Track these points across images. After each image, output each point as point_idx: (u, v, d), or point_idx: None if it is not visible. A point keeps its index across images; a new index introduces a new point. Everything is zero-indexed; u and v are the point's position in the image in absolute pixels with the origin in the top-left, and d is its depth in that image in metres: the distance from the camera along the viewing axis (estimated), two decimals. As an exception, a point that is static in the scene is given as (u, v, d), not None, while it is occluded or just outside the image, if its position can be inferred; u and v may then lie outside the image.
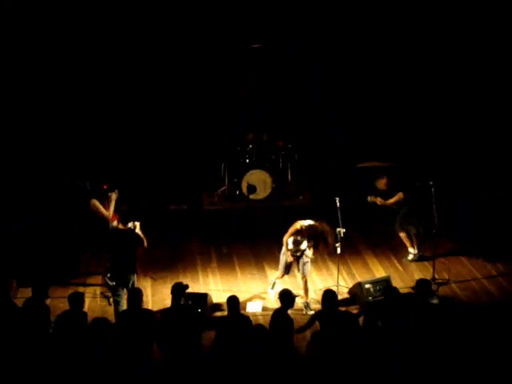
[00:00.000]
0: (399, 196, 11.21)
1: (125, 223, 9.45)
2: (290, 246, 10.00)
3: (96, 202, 10.41)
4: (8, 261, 10.80)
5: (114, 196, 10.40)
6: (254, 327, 8.02)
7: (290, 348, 7.93)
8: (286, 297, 8.29)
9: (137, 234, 9.46)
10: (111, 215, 10.33)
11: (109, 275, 9.51)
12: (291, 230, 9.95)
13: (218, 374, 7.55)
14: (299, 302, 9.92)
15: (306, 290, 10.10)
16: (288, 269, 10.18)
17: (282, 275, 10.29)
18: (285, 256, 10.09)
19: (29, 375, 7.45)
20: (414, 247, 11.45)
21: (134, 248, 9.44)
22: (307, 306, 9.98)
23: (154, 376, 7.57)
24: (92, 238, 10.82)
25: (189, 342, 7.95)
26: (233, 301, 8.26)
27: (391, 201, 11.25)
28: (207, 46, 13.43)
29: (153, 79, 13.63)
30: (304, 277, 10.10)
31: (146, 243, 9.50)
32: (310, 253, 10.06)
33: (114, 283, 9.37)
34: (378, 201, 11.21)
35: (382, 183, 11.35)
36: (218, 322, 8.49)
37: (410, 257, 11.45)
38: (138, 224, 9.53)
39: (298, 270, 10.15)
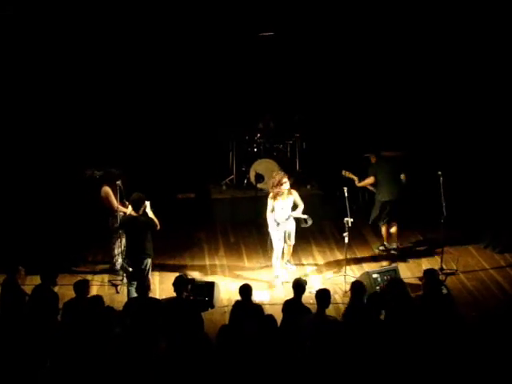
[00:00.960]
0: (370, 180, 11.16)
1: (137, 210, 9.41)
2: (281, 215, 10.36)
3: (108, 190, 10.39)
4: (17, 248, 10.85)
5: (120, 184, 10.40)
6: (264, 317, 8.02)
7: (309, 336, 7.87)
8: (299, 286, 8.30)
9: (149, 218, 9.44)
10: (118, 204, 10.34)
11: (125, 261, 9.55)
12: (269, 202, 10.39)
13: (223, 363, 7.53)
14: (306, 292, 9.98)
15: (289, 253, 10.86)
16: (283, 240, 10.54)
17: (281, 250, 10.55)
18: (275, 231, 10.40)
19: (36, 361, 7.49)
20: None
21: (147, 232, 9.44)
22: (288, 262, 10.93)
23: (158, 365, 7.59)
24: (100, 226, 10.83)
25: (190, 335, 7.93)
26: (246, 289, 8.26)
27: (362, 183, 11.20)
28: (216, 35, 13.39)
29: (161, 69, 13.61)
30: (290, 245, 10.72)
31: (158, 225, 9.49)
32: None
33: (131, 269, 9.39)
34: (355, 178, 11.15)
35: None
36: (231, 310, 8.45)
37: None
38: (147, 203, 9.48)
39: (285, 242, 10.58)
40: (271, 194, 10.40)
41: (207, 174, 13.81)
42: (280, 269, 10.61)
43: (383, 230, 11.36)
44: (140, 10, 12.95)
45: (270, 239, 10.57)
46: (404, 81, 13.83)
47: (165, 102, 13.87)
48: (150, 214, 9.50)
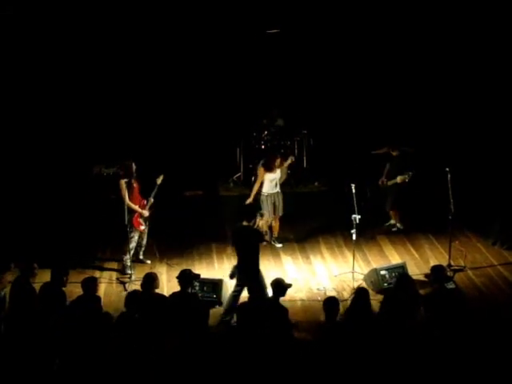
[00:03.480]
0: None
1: (249, 219, 9.26)
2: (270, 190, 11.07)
3: (122, 183, 10.35)
4: (27, 244, 10.92)
5: (159, 181, 10.49)
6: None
7: (287, 338, 7.83)
8: (278, 286, 8.14)
9: (257, 230, 9.37)
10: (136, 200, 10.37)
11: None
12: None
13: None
14: (314, 289, 10.03)
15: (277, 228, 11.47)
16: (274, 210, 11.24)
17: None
18: (268, 198, 11.07)
19: (44, 358, 7.52)
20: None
21: (258, 245, 9.32)
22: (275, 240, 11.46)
23: (165, 361, 7.60)
24: (111, 222, 10.84)
25: (193, 330, 7.93)
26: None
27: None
28: (223, 32, 13.39)
29: (168, 68, 13.62)
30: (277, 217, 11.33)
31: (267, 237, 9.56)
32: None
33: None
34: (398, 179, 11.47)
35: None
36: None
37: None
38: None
39: (275, 213, 11.23)
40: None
41: (215, 171, 13.81)
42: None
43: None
44: (147, 7, 12.96)
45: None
46: (412, 77, 13.79)
47: (173, 99, 13.88)
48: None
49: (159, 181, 10.48)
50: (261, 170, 11.12)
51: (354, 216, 10.21)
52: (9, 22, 12.35)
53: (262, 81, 13.85)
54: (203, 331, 7.94)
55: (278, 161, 11.11)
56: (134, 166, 10.41)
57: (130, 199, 10.36)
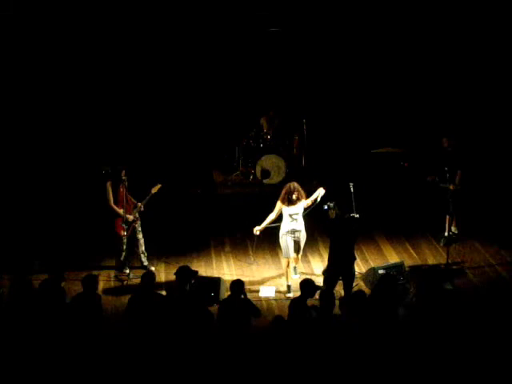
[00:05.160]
0: (459, 174, 11.03)
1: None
2: (289, 227, 9.68)
3: (108, 185, 10.34)
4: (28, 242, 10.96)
5: (154, 190, 10.34)
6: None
7: (311, 337, 7.82)
8: (308, 286, 8.13)
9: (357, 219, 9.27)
10: (112, 200, 10.27)
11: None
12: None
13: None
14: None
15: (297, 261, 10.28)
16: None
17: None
18: (285, 237, 9.72)
19: (43, 355, 7.52)
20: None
21: (354, 237, 9.30)
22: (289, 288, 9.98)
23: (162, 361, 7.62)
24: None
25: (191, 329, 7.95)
26: (237, 284, 8.26)
27: (457, 181, 10.95)
28: (222, 31, 13.41)
29: (167, 67, 13.65)
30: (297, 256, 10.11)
31: None
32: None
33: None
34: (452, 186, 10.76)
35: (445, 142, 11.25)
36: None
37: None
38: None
39: (295, 252, 9.95)
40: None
41: (213, 169, 13.86)
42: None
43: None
44: (144, 8, 12.98)
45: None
46: (408, 77, 13.82)
47: (172, 99, 13.90)
48: None
49: (154, 190, 10.32)
50: (278, 202, 9.75)
51: (352, 214, 9.59)
52: (9, 22, 12.37)
53: (261, 78, 13.87)
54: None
55: (297, 194, 9.64)
56: (123, 172, 10.26)
57: (115, 203, 10.31)
